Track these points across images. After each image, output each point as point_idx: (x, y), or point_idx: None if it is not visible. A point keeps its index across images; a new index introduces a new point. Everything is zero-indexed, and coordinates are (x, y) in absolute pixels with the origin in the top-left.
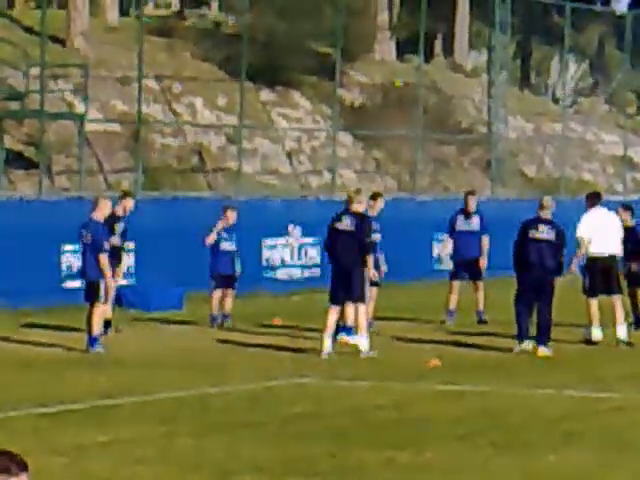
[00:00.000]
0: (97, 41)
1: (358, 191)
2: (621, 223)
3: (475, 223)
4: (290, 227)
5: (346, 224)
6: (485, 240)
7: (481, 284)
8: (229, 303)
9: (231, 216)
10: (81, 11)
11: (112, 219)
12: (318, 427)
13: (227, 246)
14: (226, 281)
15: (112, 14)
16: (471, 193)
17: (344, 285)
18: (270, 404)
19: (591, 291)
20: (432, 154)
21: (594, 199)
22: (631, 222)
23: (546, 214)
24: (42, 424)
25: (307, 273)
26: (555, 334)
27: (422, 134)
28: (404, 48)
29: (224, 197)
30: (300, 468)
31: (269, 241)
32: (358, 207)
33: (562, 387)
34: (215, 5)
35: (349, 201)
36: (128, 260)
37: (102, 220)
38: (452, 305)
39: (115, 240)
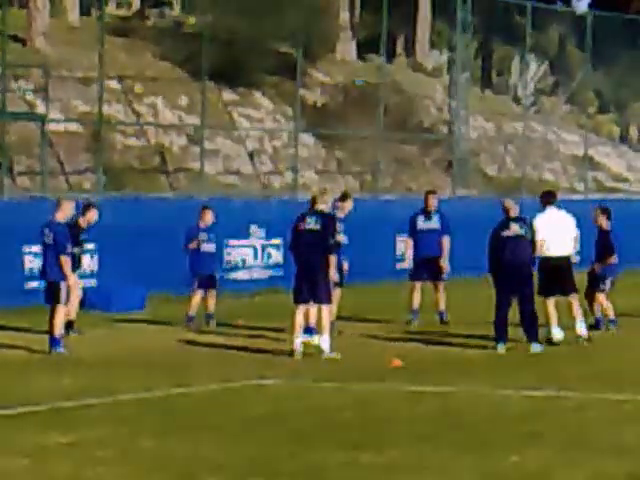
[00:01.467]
0: (58, 41)
1: (324, 191)
2: (597, 225)
3: (435, 222)
4: (253, 228)
5: (311, 224)
6: (446, 240)
7: (442, 285)
8: (212, 304)
9: (208, 216)
10: (42, 11)
11: (76, 229)
12: (280, 428)
13: (207, 247)
14: (208, 282)
15: (73, 14)
16: (431, 192)
17: (308, 285)
18: (232, 405)
19: (546, 291)
20: (394, 154)
21: (549, 198)
22: (607, 226)
23: (513, 213)
24: (3, 425)
25: (270, 274)
26: (516, 334)
27: (384, 134)
28: (366, 48)
29: (186, 197)
30: (262, 469)
31: (231, 241)
32: (323, 207)
33: (523, 387)
34: (176, 4)
35: (313, 201)
36: (89, 261)
37: (64, 221)
38: (416, 305)
39: (75, 249)
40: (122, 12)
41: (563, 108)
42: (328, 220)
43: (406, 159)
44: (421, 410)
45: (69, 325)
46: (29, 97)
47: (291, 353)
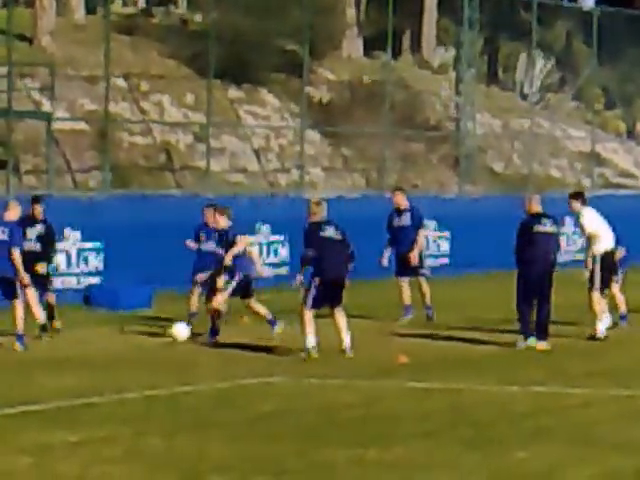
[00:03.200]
0: (64, 40)
1: (318, 203)
2: None
3: (406, 219)
4: (259, 225)
5: (332, 233)
6: (419, 234)
7: (422, 280)
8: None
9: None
10: (48, 10)
11: (26, 223)
12: (287, 426)
13: (207, 246)
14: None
15: (79, 12)
16: (398, 189)
17: (333, 294)
18: (239, 403)
19: (604, 285)
20: (400, 151)
21: (584, 197)
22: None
23: (539, 209)
24: (8, 424)
25: (276, 271)
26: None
27: (390, 131)
28: (372, 45)
29: (192, 195)
30: (269, 467)
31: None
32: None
33: (530, 383)
34: (182, 2)
35: (313, 213)
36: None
37: (14, 220)
38: (407, 301)
39: (29, 245)
40: (128, 10)
41: (570, 104)
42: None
43: (412, 156)
44: (428, 407)
45: (43, 328)
46: (35, 96)
47: (307, 353)
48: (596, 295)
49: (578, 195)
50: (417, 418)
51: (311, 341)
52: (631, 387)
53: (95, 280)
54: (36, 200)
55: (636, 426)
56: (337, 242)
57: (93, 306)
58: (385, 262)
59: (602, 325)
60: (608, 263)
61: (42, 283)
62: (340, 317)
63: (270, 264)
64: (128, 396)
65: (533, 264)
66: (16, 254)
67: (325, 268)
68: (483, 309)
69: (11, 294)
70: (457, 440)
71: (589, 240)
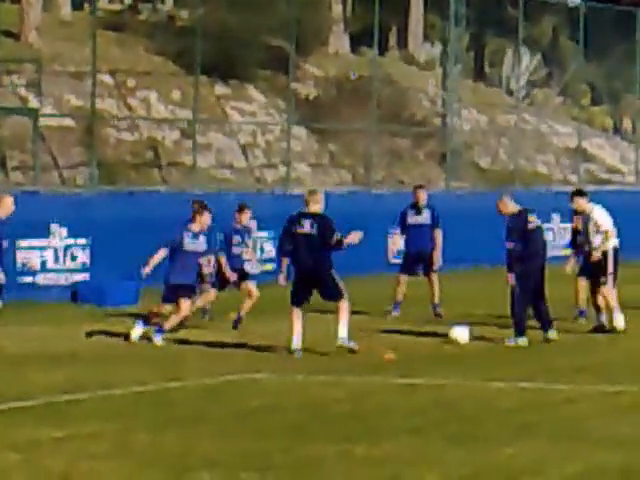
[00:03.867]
0: (51, 36)
1: (313, 192)
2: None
3: (426, 217)
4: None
5: (306, 227)
6: (438, 234)
7: (435, 277)
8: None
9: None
10: (34, 5)
11: None
12: (274, 421)
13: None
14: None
15: (65, 8)
16: (420, 187)
17: (309, 289)
18: (226, 399)
19: (615, 280)
20: (387, 147)
21: (588, 196)
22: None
23: (515, 206)
24: None
25: (263, 267)
26: (509, 327)
27: (376, 127)
28: (358, 41)
29: (179, 191)
30: (256, 462)
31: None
32: (316, 208)
33: (516, 379)
34: None
35: (306, 203)
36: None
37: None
38: (399, 297)
39: None
40: (114, 6)
41: (556, 100)
42: (325, 222)
43: (399, 152)
44: (415, 403)
45: None
46: (22, 92)
47: (291, 352)
48: (610, 290)
49: (583, 193)
50: (404, 414)
51: (295, 342)
52: (617, 383)
53: (82, 276)
54: None
55: (622, 422)
56: (310, 237)
57: (80, 302)
58: (392, 256)
59: (620, 317)
60: (617, 259)
61: None
62: (339, 309)
63: (257, 260)
64: (115, 392)
65: (530, 261)
66: None
67: (297, 260)
68: (470, 305)
69: None
70: (444, 436)
71: (604, 236)
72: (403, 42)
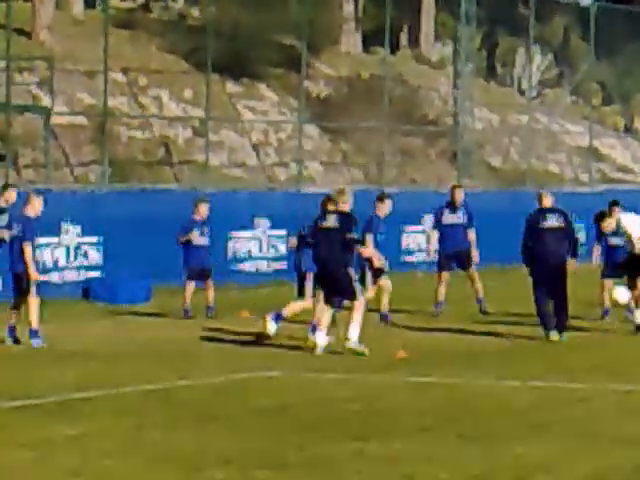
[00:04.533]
0: (63, 34)
1: (342, 191)
2: None
3: (461, 216)
4: (257, 220)
5: (331, 222)
6: (472, 234)
7: (475, 273)
8: (211, 295)
9: (203, 209)
10: (46, 4)
11: None
12: (286, 420)
13: (199, 240)
14: (201, 274)
15: (77, 7)
16: (458, 186)
17: (329, 285)
18: (238, 397)
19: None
20: (398, 146)
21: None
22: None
23: (548, 203)
24: (8, 418)
25: (274, 266)
26: (522, 324)
27: (388, 126)
28: (370, 40)
29: (191, 189)
30: (268, 461)
31: (236, 233)
32: (344, 207)
33: (528, 378)
34: None
35: (334, 202)
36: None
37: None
38: (441, 297)
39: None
40: (126, 4)
41: (567, 99)
42: (347, 218)
43: (411, 151)
44: (427, 401)
45: None
46: (34, 90)
47: (313, 348)
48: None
49: (616, 203)
50: (416, 412)
51: (320, 338)
52: (631, 382)
53: (94, 274)
54: None
55: (636, 421)
56: (332, 231)
57: (92, 300)
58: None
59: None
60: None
61: None
62: (353, 309)
63: (269, 258)
64: (127, 390)
65: (542, 260)
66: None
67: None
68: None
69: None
70: (456, 434)
71: (631, 243)
72: (415, 41)
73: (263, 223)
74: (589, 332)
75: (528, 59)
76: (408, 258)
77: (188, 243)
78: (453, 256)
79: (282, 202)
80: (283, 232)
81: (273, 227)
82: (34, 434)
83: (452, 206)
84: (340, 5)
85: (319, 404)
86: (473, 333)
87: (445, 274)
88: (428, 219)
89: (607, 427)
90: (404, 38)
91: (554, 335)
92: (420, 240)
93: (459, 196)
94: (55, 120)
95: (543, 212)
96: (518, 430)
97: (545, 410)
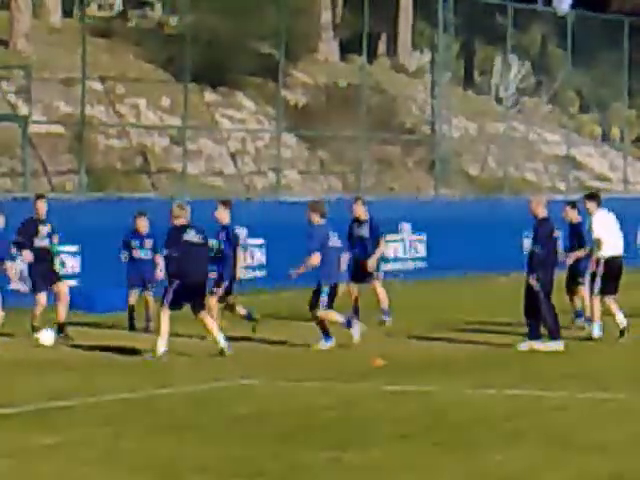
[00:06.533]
0: (40, 42)
1: (181, 206)
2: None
3: (366, 231)
4: (236, 228)
5: (193, 236)
6: (380, 243)
7: (377, 284)
8: (151, 307)
9: (141, 224)
10: (24, 12)
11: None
12: (264, 428)
13: (139, 254)
14: (143, 286)
15: (55, 15)
16: (358, 199)
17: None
18: (215, 405)
19: (607, 290)
20: (376, 154)
21: (599, 200)
22: (577, 219)
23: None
24: None
25: (253, 274)
26: (498, 333)
27: (366, 134)
28: (348, 48)
29: (169, 198)
30: (246, 469)
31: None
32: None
33: (506, 386)
34: (158, 5)
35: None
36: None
37: None
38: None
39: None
40: (104, 13)
41: (545, 108)
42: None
43: (388, 159)
44: (404, 410)
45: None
46: (11, 98)
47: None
48: (596, 299)
49: (593, 197)
50: (394, 421)
51: (162, 345)
52: (607, 390)
53: (72, 283)
54: None
55: (612, 429)
56: (199, 246)
57: (70, 309)
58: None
59: (598, 328)
60: (613, 269)
61: None
62: (206, 320)
63: (247, 267)
64: (105, 398)
65: (551, 268)
66: None
67: (186, 271)
68: (459, 312)
69: None
70: (433, 443)
71: (595, 243)
72: (392, 50)
73: (241, 232)
74: (565, 340)
75: (505, 68)
76: (386, 266)
77: (130, 257)
78: (359, 266)
79: (259, 211)
80: (261, 241)
81: (251, 235)
82: (11, 443)
83: (357, 221)
84: (318, 13)
85: (297, 412)
86: (449, 341)
87: (354, 286)
88: (407, 228)
89: (583, 435)
90: (382, 46)
91: (558, 345)
92: (398, 248)
93: (360, 210)
94: (33, 129)
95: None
96: (495, 438)
97: (522, 418)
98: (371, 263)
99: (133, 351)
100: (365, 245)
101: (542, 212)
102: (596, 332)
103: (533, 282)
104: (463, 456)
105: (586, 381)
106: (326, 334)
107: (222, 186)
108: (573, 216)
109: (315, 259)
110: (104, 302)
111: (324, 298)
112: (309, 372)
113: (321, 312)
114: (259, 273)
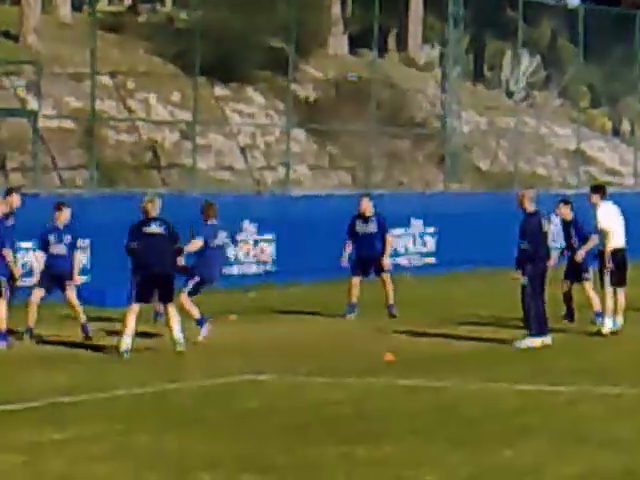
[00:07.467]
0: (50, 37)
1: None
2: (561, 218)
3: (373, 227)
4: (245, 223)
5: (156, 228)
6: (387, 240)
7: (387, 278)
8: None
9: (64, 215)
10: (33, 7)
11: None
12: (274, 423)
13: (56, 248)
14: (59, 283)
15: (64, 10)
16: (365, 195)
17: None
18: (226, 400)
19: (616, 282)
20: (386, 149)
21: (605, 192)
22: (570, 216)
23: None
24: None
25: (263, 269)
26: (508, 327)
27: (376, 129)
28: (358, 42)
29: (179, 193)
30: (256, 464)
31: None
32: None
33: (516, 381)
34: (168, 0)
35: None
36: (82, 257)
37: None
38: (353, 299)
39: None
40: (114, 8)
41: (555, 102)
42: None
43: (398, 154)
44: (415, 405)
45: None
46: (21, 93)
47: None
48: (608, 291)
49: (598, 188)
50: (405, 416)
51: (126, 342)
52: (618, 385)
53: (82, 278)
54: None
55: (623, 424)
56: (159, 237)
57: (80, 303)
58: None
59: (609, 321)
60: (618, 261)
61: None
62: (171, 314)
63: (256, 262)
64: (115, 394)
65: (541, 263)
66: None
67: (146, 263)
68: (469, 306)
69: None
70: (444, 438)
71: (601, 235)
72: (402, 44)
73: (250, 227)
74: (574, 334)
75: (516, 62)
76: (395, 261)
77: (46, 251)
78: (366, 261)
79: (269, 205)
80: (271, 236)
81: (260, 230)
82: (23, 438)
83: (363, 217)
84: (328, 7)
85: (307, 407)
86: (459, 336)
87: (356, 279)
88: (418, 222)
89: (594, 430)
90: (392, 41)
91: (547, 340)
92: (408, 243)
93: (366, 207)
94: (43, 124)
95: (537, 214)
96: (506, 433)
97: (533, 413)
98: (386, 262)
99: (143, 346)
100: (372, 241)
101: (530, 206)
102: (608, 326)
103: (518, 275)
104: (474, 451)
105: (596, 376)
106: (200, 321)
107: (232, 181)
108: (566, 213)
109: (194, 245)
110: (114, 297)
111: (191, 284)
112: (319, 367)
113: (183, 297)
114: (270, 268)
